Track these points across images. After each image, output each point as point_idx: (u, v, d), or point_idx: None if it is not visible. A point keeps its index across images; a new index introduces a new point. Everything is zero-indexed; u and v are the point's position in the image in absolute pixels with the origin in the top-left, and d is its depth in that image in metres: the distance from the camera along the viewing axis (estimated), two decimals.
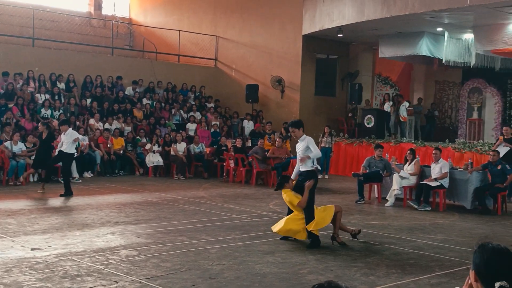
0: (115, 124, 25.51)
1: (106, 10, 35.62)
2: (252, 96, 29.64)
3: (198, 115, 28.61)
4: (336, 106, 31.25)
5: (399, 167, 18.61)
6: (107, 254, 10.48)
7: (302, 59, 29.18)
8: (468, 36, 25.40)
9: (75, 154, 19.38)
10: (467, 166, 18.10)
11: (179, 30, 32.34)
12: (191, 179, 24.09)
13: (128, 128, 25.82)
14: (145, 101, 28.19)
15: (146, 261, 10.10)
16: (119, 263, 9.85)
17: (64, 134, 18.14)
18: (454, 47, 25.61)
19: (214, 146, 26.07)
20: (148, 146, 24.84)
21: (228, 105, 30.97)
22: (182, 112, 28.58)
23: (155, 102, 28.37)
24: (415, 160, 18.46)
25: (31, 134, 22.06)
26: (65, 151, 18.11)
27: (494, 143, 20.49)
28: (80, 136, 18.65)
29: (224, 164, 24.26)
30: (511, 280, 3.51)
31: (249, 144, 25.67)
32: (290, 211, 12.33)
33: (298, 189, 12.20)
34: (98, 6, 34.97)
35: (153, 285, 8.68)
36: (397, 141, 25.58)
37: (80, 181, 21.63)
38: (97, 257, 10.27)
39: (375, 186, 19.20)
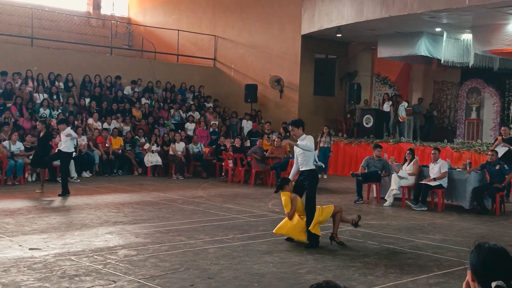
0: (114, 124, 25.50)
1: (105, 10, 35.61)
2: (251, 96, 29.64)
3: (197, 114, 28.60)
4: (335, 106, 31.26)
5: (398, 167, 18.62)
6: (106, 254, 10.48)
7: (301, 59, 29.19)
8: (467, 36, 25.42)
9: (74, 154, 19.35)
10: (465, 166, 18.11)
11: (178, 30, 32.34)
12: (189, 178, 24.09)
13: (126, 128, 25.82)
14: (143, 100, 28.18)
15: (145, 261, 10.10)
16: (117, 263, 9.85)
17: (63, 133, 18.14)
18: (452, 47, 25.63)
19: (213, 146, 26.06)
20: (146, 145, 24.84)
21: (227, 105, 30.97)
22: (181, 112, 28.57)
23: (153, 102, 28.36)
24: (414, 160, 18.47)
25: (29, 134, 22.05)
26: (63, 150, 18.12)
27: (493, 143, 20.49)
28: (74, 134, 18.47)
29: (223, 164, 24.25)
30: (508, 280, 3.52)
31: (248, 144, 25.66)
32: None
33: (297, 189, 12.19)
34: (97, 5, 34.95)
35: (151, 284, 8.68)
36: (395, 141, 25.58)
37: (79, 180, 21.62)
38: (96, 257, 10.27)
39: (374, 186, 19.21)
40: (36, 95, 25.06)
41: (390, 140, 25.82)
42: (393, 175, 18.22)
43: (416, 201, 17.48)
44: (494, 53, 24.87)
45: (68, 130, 18.39)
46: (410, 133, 29.01)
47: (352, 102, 30.62)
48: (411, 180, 18.19)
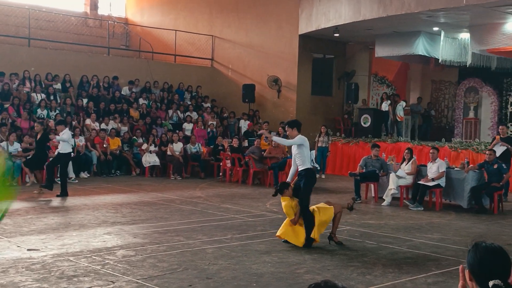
0: (112, 124, 25.49)
1: (102, 10, 35.61)
2: (248, 96, 29.64)
3: (194, 115, 28.60)
4: (332, 106, 31.26)
5: (396, 167, 18.63)
6: (104, 255, 10.48)
7: (299, 58, 29.19)
8: (464, 36, 25.43)
9: (72, 154, 19.33)
10: (463, 165, 18.12)
11: (176, 30, 32.34)
12: (187, 179, 24.09)
13: (124, 128, 25.81)
14: (141, 101, 28.16)
15: (143, 261, 10.09)
16: (115, 263, 9.85)
17: (61, 135, 18.13)
18: (450, 46, 25.64)
19: (211, 146, 26.07)
20: (144, 146, 24.83)
21: (224, 105, 30.97)
22: (179, 112, 28.56)
23: (151, 102, 28.34)
24: (412, 159, 18.47)
25: (27, 135, 22.04)
26: (60, 151, 18.12)
27: (491, 143, 20.49)
28: (65, 137, 18.29)
29: (221, 164, 24.25)
30: (505, 279, 3.52)
31: (245, 144, 25.66)
32: None
33: (297, 191, 12.16)
34: (94, 6, 34.93)
35: (150, 285, 8.68)
36: (392, 141, 25.60)
37: (77, 181, 21.61)
38: (94, 257, 10.27)
39: (372, 185, 19.22)
40: (34, 94, 25.03)
41: (388, 140, 25.85)
42: (391, 174, 18.23)
43: (414, 201, 17.48)
44: (491, 52, 24.88)
45: (64, 133, 18.27)
46: (408, 133, 29.04)
47: (350, 102, 30.63)
48: (409, 180, 18.19)
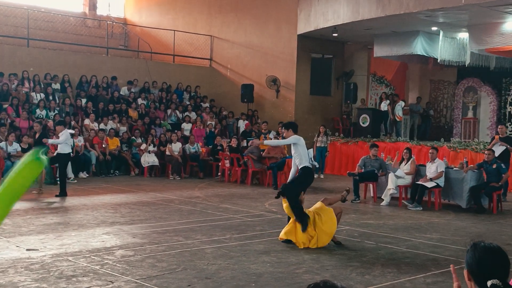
0: (110, 124, 25.49)
1: (101, 10, 35.56)
2: (247, 95, 29.63)
3: (193, 115, 28.59)
4: (331, 106, 31.26)
5: (394, 168, 18.64)
6: (103, 254, 10.48)
7: (297, 58, 29.20)
8: (463, 35, 25.43)
9: (71, 154, 19.31)
10: (462, 165, 18.11)
11: (174, 30, 32.33)
12: (186, 179, 24.10)
13: (123, 128, 25.81)
14: (140, 101, 28.14)
15: (142, 261, 10.10)
16: (114, 263, 9.85)
17: (60, 135, 18.12)
18: (449, 46, 25.63)
19: (210, 146, 26.07)
20: (143, 146, 24.83)
21: (223, 105, 30.97)
22: (177, 112, 28.55)
23: (150, 102, 28.34)
24: (411, 159, 18.47)
25: (26, 135, 22.03)
26: (60, 151, 18.12)
27: (490, 142, 20.48)
28: (62, 139, 18.26)
29: (220, 164, 24.26)
30: (504, 279, 3.53)
31: (244, 144, 25.65)
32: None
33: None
34: (93, 6, 34.91)
35: (148, 285, 8.68)
36: (391, 140, 25.61)
37: (76, 181, 21.60)
38: (93, 257, 10.27)
39: (371, 185, 19.22)
40: (33, 94, 25.02)
41: (387, 139, 25.86)
42: (390, 174, 18.23)
43: (413, 201, 17.48)
44: (490, 52, 24.91)
45: (63, 135, 18.24)
46: (406, 132, 29.05)
47: (348, 102, 30.64)
48: (408, 180, 18.19)
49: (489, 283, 3.50)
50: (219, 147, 25.00)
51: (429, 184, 17.43)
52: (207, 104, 30.42)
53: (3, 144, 20.90)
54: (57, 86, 26.27)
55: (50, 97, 25.18)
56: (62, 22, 31.40)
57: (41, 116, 23.73)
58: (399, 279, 9.41)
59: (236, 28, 31.63)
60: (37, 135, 19.09)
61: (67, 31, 31.18)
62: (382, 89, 31.07)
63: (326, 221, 11.68)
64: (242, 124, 28.61)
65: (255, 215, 15.40)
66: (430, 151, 18.32)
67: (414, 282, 9.30)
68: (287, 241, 11.83)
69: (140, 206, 16.38)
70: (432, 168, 17.69)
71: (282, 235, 11.91)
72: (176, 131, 25.97)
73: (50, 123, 22.68)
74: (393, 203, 18.01)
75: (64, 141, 18.07)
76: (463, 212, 16.99)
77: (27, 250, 10.67)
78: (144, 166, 24.47)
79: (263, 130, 26.58)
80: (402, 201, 17.91)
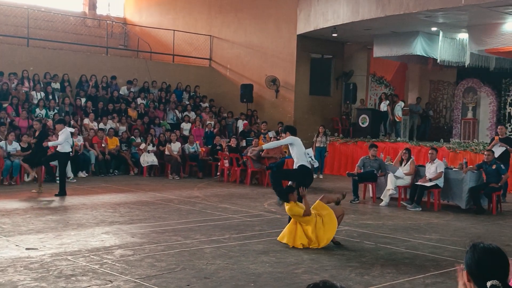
0: (110, 124, 25.49)
1: (101, 10, 35.56)
2: (246, 95, 29.62)
3: (192, 114, 28.59)
4: (330, 106, 31.27)
5: (394, 167, 18.62)
6: (102, 254, 10.48)
7: (297, 58, 29.20)
8: (463, 36, 25.44)
9: (71, 154, 19.29)
10: (461, 166, 18.10)
11: (174, 30, 32.32)
12: (185, 178, 24.10)
13: (122, 128, 25.80)
14: (139, 100, 28.12)
15: (141, 260, 10.10)
16: (113, 263, 9.85)
17: (60, 133, 18.11)
18: (448, 46, 25.64)
19: (209, 146, 26.07)
20: (142, 145, 24.84)
21: (222, 104, 30.95)
22: (177, 112, 28.54)
23: (149, 102, 28.33)
24: (411, 160, 18.46)
25: (25, 134, 22.03)
26: (60, 150, 18.10)
27: (489, 143, 20.45)
28: (61, 139, 18.20)
29: (219, 163, 24.26)
30: (503, 280, 3.53)
31: (243, 143, 25.65)
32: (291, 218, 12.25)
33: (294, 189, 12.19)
34: (92, 6, 34.91)
35: (147, 284, 8.68)
36: (390, 140, 25.62)
37: (75, 180, 21.60)
38: (92, 256, 10.27)
39: (370, 185, 19.21)
40: (33, 93, 25.01)
41: (386, 140, 25.87)
42: (389, 175, 18.22)
43: (412, 201, 17.48)
44: (490, 53, 24.91)
45: (62, 133, 18.21)
46: (406, 133, 29.05)
47: (348, 102, 30.64)
48: (407, 180, 18.19)
49: (488, 284, 3.50)
50: (218, 147, 25.00)
51: (428, 183, 17.42)
52: (206, 104, 30.42)
53: (2, 143, 20.89)
54: (57, 85, 26.26)
55: (50, 97, 25.17)
56: (62, 22, 31.41)
57: (41, 115, 23.71)
58: (398, 280, 9.41)
59: (236, 28, 31.63)
60: (37, 133, 19.07)
61: (67, 30, 31.19)
62: (382, 90, 31.05)
63: (327, 222, 11.67)
64: (241, 124, 28.60)
65: (254, 215, 15.40)
66: (429, 151, 18.31)
67: (413, 283, 9.30)
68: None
69: (139, 206, 16.38)
70: (432, 169, 17.69)
71: (280, 237, 11.89)
72: (175, 130, 25.97)
73: (50, 122, 22.67)
74: (392, 204, 18.00)
75: (64, 141, 18.04)
76: (463, 213, 16.98)
77: (27, 249, 10.67)
78: (143, 165, 24.48)
79: (262, 130, 26.60)
80: (402, 202, 17.90)
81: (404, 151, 18.84)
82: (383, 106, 28.27)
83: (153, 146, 24.85)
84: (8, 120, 22.93)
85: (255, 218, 14.93)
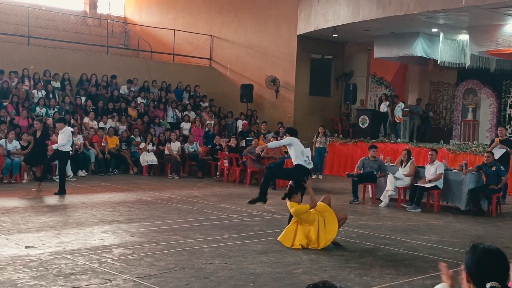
0: (110, 123, 25.49)
1: (101, 9, 35.58)
2: (246, 95, 29.62)
3: (192, 114, 28.58)
4: (330, 106, 31.27)
5: (393, 167, 18.62)
6: (101, 253, 10.48)
7: (297, 59, 29.21)
8: (463, 37, 25.44)
9: (70, 153, 19.28)
10: (461, 167, 18.09)
11: (174, 30, 32.32)
12: (185, 178, 24.10)
13: (122, 127, 25.80)
14: (139, 100, 28.12)
15: (140, 260, 10.09)
16: (113, 262, 9.85)
17: (60, 132, 18.10)
18: (449, 48, 25.63)
19: (209, 146, 26.07)
20: (142, 145, 24.84)
21: (222, 104, 30.94)
22: (177, 111, 28.52)
23: (149, 101, 28.33)
24: (410, 161, 18.45)
25: (25, 132, 22.02)
26: (60, 149, 18.08)
27: (489, 145, 20.44)
28: (63, 141, 18.18)
29: (219, 163, 24.26)
30: (503, 281, 3.53)
31: (243, 143, 25.64)
32: (291, 217, 12.24)
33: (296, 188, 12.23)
34: (93, 5, 34.92)
35: (147, 284, 8.68)
36: (390, 141, 25.63)
37: (75, 179, 21.60)
38: (91, 255, 10.27)
39: (369, 186, 19.20)
40: (34, 91, 25.01)
41: (386, 140, 25.87)
42: (389, 176, 18.21)
43: (412, 203, 17.47)
44: (490, 54, 24.90)
45: (63, 133, 18.19)
46: (406, 134, 29.04)
47: (348, 103, 30.63)
48: (407, 181, 18.18)
49: (488, 285, 3.50)
50: (218, 147, 25.00)
51: (428, 185, 17.42)
52: (206, 104, 30.41)
53: (2, 141, 20.88)
54: (57, 84, 26.25)
55: (50, 95, 25.17)
56: (63, 21, 31.42)
57: (41, 114, 23.71)
58: (397, 281, 9.41)
59: (236, 28, 31.64)
60: (38, 133, 19.06)
61: (67, 29, 31.19)
62: (382, 90, 31.03)
63: (329, 223, 11.67)
64: (240, 124, 28.59)
65: (253, 215, 15.40)
66: (429, 153, 18.30)
67: (412, 284, 9.30)
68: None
69: (138, 205, 16.38)
70: (431, 170, 17.68)
71: (280, 238, 11.90)
72: (175, 130, 25.98)
73: (50, 121, 22.68)
74: (391, 205, 18.00)
75: (66, 142, 18.06)
76: (462, 214, 16.98)
77: (26, 247, 10.67)
78: (143, 165, 24.48)
79: (262, 131, 26.59)
80: (402, 204, 17.88)
81: (404, 152, 18.85)
82: (383, 107, 28.27)
83: (152, 145, 24.86)
84: (8, 118, 22.93)
85: (255, 218, 14.94)
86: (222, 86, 31.97)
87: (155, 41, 32.86)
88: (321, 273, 9.67)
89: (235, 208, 16.50)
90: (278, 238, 11.91)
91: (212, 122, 27.98)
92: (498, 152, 19.00)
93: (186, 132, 26.82)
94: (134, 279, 8.90)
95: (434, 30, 25.05)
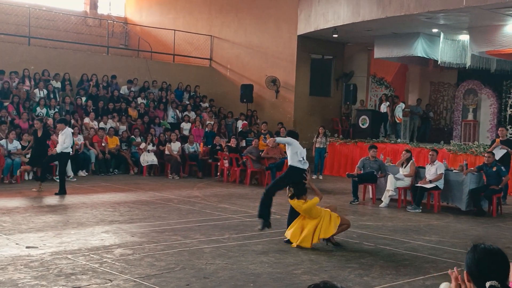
0: (110, 123, 25.49)
1: (102, 9, 35.58)
2: (246, 96, 29.61)
3: (192, 114, 28.58)
4: (330, 107, 31.27)
5: (394, 168, 18.63)
6: (102, 253, 10.49)
7: (297, 59, 29.21)
8: (464, 37, 25.43)
9: (71, 153, 19.28)
10: (462, 168, 18.08)
11: (174, 30, 32.33)
12: (185, 178, 24.09)
13: (123, 127, 25.81)
14: (140, 100, 28.12)
15: (140, 260, 10.10)
16: (113, 262, 9.86)
17: (61, 133, 18.09)
18: (449, 48, 25.62)
19: (209, 146, 26.07)
20: (142, 145, 24.85)
21: (222, 105, 30.93)
22: (177, 112, 28.53)
23: (149, 101, 28.33)
24: (411, 161, 18.45)
25: (26, 133, 22.04)
26: (60, 149, 18.09)
27: (490, 145, 20.43)
28: (66, 143, 18.18)
29: (219, 163, 24.26)
30: (503, 280, 3.53)
31: (243, 144, 25.64)
32: (291, 218, 12.25)
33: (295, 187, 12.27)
34: (93, 5, 34.93)
35: (147, 284, 8.68)
36: (389, 141, 25.62)
37: (75, 179, 21.60)
38: (92, 255, 10.27)
39: (370, 187, 19.20)
40: (36, 91, 25.01)
41: (386, 140, 25.86)
42: (389, 176, 18.21)
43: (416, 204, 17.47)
44: (491, 54, 24.89)
45: (64, 134, 18.19)
46: (406, 134, 29.04)
47: (348, 103, 30.61)
48: (407, 182, 18.18)
49: (487, 284, 3.51)
50: (218, 147, 24.99)
51: (428, 185, 17.43)
52: (206, 104, 30.41)
53: (3, 141, 20.90)
54: (57, 84, 26.25)
55: (51, 95, 25.18)
56: (63, 21, 31.42)
57: (42, 114, 23.72)
58: (398, 281, 9.41)
59: (236, 28, 31.64)
60: (38, 133, 19.06)
61: (68, 29, 31.19)
62: (382, 91, 31.02)
63: (333, 220, 11.69)
64: (240, 124, 28.57)
65: (253, 215, 15.35)
66: (430, 153, 18.30)
67: (413, 284, 9.31)
68: (289, 241, 11.83)
69: (139, 205, 16.39)
70: (432, 170, 17.68)
71: (287, 234, 11.93)
72: (175, 130, 25.99)
73: (50, 121, 22.68)
74: (392, 205, 18.01)
75: (69, 144, 18.08)
76: (463, 215, 16.98)
77: (27, 247, 10.68)
78: (143, 165, 24.49)
79: (262, 131, 26.58)
80: (407, 209, 17.84)
81: (404, 152, 18.85)
82: (383, 107, 28.26)
83: (153, 145, 24.87)
84: (9, 118, 22.94)
85: (255, 219, 14.86)
86: (222, 86, 31.97)
87: (155, 41, 32.87)
88: (321, 273, 9.68)
89: (235, 208, 16.52)
90: (285, 234, 11.95)
91: (212, 122, 27.95)
92: (499, 153, 18.98)
93: (186, 133, 26.81)
94: (135, 279, 8.91)
95: (435, 30, 25.05)
